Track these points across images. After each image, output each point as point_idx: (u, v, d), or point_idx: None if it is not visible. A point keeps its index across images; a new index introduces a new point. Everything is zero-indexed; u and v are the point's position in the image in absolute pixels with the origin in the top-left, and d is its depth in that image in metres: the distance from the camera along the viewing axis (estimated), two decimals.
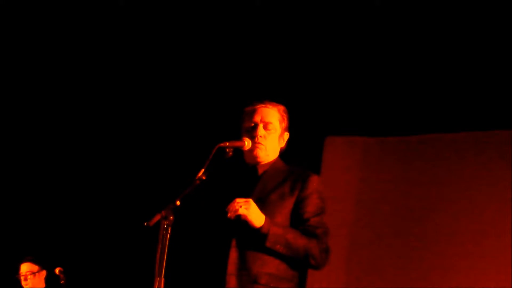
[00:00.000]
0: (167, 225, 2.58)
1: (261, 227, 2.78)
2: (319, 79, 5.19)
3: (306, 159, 4.31)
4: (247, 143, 2.97)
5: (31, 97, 5.94)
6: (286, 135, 3.12)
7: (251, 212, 2.77)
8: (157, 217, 2.58)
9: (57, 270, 5.03)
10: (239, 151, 3.01)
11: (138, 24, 5.43)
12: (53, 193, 6.01)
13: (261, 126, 3.01)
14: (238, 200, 2.78)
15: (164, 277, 2.55)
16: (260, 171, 3.03)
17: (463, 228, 4.86)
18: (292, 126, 3.16)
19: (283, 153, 3.13)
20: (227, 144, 2.88)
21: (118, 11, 5.29)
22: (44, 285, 5.28)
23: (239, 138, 3.01)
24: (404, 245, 5.02)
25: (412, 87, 4.98)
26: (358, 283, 5.09)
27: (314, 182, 2.98)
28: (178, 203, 2.63)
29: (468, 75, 4.79)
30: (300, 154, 3.97)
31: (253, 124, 3.02)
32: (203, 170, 2.76)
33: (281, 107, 3.10)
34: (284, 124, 3.09)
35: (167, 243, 2.57)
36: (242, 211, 2.76)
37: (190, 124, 5.55)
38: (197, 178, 2.75)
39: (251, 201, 2.79)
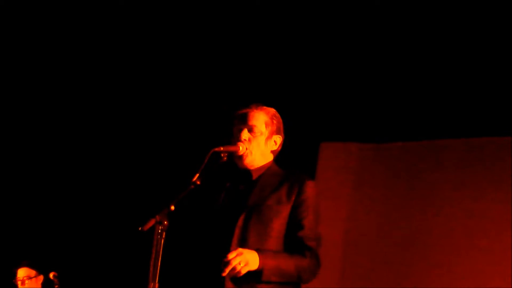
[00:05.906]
0: (162, 230, 2.57)
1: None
2: (314, 85, 5.20)
3: (301, 165, 4.32)
4: (242, 148, 2.97)
5: (29, 97, 5.94)
6: (278, 138, 3.08)
7: (251, 263, 2.71)
8: (151, 222, 2.58)
9: (51, 275, 5.02)
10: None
11: (135, 26, 5.43)
12: (49, 198, 6.01)
13: (245, 130, 3.00)
14: (230, 257, 2.68)
15: (158, 282, 2.55)
16: (255, 175, 3.02)
17: (459, 233, 4.87)
18: (287, 132, 3.15)
19: (278, 159, 3.13)
20: (222, 149, 2.88)
21: (115, 12, 5.30)
22: None
23: (230, 142, 3.00)
24: (398, 250, 5.03)
25: (407, 93, 4.99)
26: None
27: (310, 187, 2.97)
28: (172, 208, 2.62)
29: (465, 82, 4.80)
30: (295, 160, 3.98)
31: (238, 128, 3.02)
32: (197, 174, 2.76)
33: (270, 110, 3.08)
34: (272, 127, 3.05)
35: (161, 248, 2.56)
36: (245, 270, 2.69)
37: (185, 128, 5.55)
38: (191, 182, 2.75)
39: (242, 251, 2.70)
